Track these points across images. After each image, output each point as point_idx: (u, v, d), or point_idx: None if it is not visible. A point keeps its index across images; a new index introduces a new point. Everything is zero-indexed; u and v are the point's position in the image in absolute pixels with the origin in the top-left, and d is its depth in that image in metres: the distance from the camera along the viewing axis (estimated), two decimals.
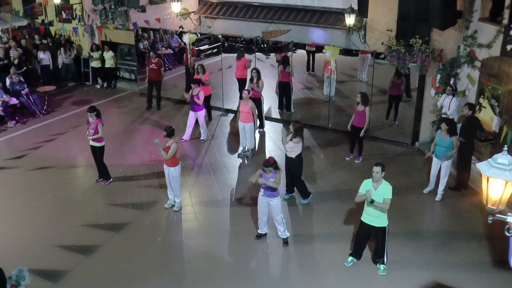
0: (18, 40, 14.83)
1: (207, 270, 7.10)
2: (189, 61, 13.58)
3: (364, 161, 10.17)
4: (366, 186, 6.64)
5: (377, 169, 6.47)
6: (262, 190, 7.36)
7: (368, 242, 7.10)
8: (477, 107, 9.32)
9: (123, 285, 6.82)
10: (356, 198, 6.76)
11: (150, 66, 13.03)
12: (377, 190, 6.52)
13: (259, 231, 7.76)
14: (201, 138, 11.35)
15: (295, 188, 8.84)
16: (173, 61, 16.30)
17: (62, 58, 14.85)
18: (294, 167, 8.56)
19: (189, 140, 11.36)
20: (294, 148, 8.40)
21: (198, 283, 6.84)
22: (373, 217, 6.66)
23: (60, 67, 15.00)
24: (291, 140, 8.35)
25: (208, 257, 7.38)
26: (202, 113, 11.21)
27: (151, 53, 13.28)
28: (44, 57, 14.54)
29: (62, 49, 14.77)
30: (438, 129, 8.76)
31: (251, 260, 7.36)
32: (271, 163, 7.15)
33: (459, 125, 9.19)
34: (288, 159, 8.57)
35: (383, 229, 6.72)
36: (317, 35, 11.47)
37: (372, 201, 6.47)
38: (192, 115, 11.19)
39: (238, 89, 13.05)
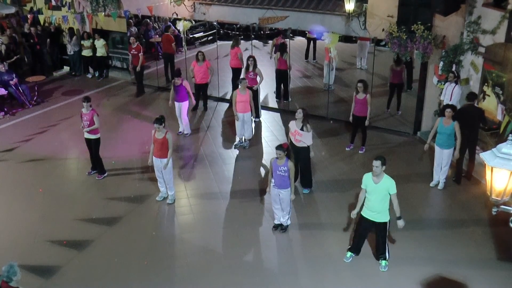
0: (5, 29, 14.37)
1: (203, 264, 6.94)
2: (184, 49, 13.26)
3: (365, 152, 9.94)
4: (366, 180, 6.47)
5: (377, 163, 6.23)
6: (273, 180, 7.16)
7: (368, 237, 6.91)
8: (480, 96, 9.08)
9: (117, 280, 6.66)
10: (359, 197, 6.61)
11: (131, 52, 12.92)
12: (378, 184, 6.32)
13: (275, 222, 7.61)
14: (179, 130, 10.83)
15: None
16: None
17: (71, 46, 14.44)
18: (302, 156, 8.25)
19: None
20: (307, 137, 8.11)
21: (195, 277, 6.68)
22: (375, 213, 6.45)
23: (71, 53, 14.65)
24: (302, 129, 8.05)
25: (205, 251, 7.22)
26: (185, 104, 10.62)
27: (131, 38, 13.16)
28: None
29: (72, 36, 14.39)
30: (440, 116, 8.51)
31: (249, 254, 7.19)
32: (285, 148, 6.96)
33: None
34: (296, 149, 8.14)
35: (384, 224, 6.54)
36: (316, 24, 11.07)
37: (399, 218, 6.47)
38: (177, 106, 10.68)
39: (231, 78, 12.70)
